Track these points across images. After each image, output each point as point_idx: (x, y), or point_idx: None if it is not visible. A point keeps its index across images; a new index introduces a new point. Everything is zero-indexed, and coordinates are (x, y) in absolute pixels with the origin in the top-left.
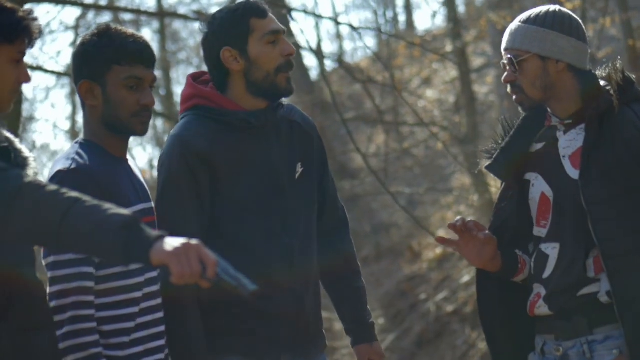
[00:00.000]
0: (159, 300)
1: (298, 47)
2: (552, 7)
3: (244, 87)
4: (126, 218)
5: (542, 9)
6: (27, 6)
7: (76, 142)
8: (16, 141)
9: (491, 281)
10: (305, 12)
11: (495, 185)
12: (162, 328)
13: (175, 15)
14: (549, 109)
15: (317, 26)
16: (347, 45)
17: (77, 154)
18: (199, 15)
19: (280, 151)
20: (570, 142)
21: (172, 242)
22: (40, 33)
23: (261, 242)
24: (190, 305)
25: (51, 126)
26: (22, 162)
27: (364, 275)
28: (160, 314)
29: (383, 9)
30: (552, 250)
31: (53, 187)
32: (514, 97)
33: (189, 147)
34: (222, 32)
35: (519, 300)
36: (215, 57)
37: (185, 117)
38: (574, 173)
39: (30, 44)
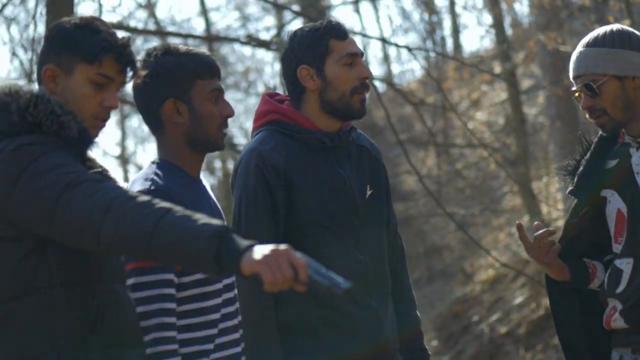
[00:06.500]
0: (235, 322)
1: None
2: (614, 27)
3: (318, 106)
4: (217, 227)
5: (604, 29)
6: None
7: (153, 163)
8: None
9: (567, 295)
10: (354, 32)
11: (547, 206)
12: (238, 349)
13: (224, 39)
14: (622, 127)
15: (364, 48)
16: (395, 69)
17: (156, 174)
18: (250, 39)
19: (351, 172)
20: None
21: (261, 250)
22: (131, 60)
23: (336, 257)
24: (272, 330)
25: (101, 152)
26: None
27: (417, 297)
28: (236, 335)
29: (430, 32)
30: (626, 265)
31: (145, 197)
32: (595, 120)
33: (266, 160)
34: (300, 49)
35: (596, 313)
36: (292, 73)
37: (260, 132)
38: None
39: (124, 71)
